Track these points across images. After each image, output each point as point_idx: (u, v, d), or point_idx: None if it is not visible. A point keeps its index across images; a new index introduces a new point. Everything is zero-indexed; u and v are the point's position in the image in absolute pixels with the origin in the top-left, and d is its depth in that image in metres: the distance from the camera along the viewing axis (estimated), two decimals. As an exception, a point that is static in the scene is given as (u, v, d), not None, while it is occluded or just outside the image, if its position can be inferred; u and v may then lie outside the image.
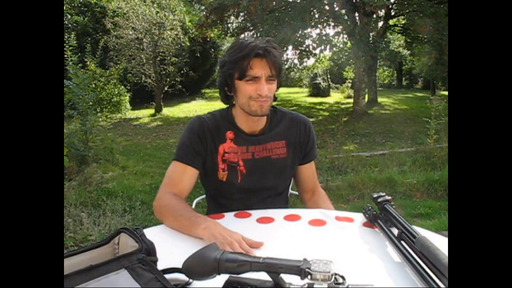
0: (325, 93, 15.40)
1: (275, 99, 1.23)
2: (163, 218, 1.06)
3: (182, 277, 0.71)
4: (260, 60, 1.09)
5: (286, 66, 12.23)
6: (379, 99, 12.85)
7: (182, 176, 1.15)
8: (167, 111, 10.61)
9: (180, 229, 0.99)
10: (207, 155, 1.18)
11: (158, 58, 10.03)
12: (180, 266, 0.68)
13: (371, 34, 8.90)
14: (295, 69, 12.72)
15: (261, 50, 1.07)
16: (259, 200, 1.22)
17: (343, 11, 8.66)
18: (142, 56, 9.77)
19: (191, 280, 0.71)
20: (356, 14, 8.69)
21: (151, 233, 0.80)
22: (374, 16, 9.53)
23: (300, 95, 15.90)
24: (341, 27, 9.00)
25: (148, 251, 0.72)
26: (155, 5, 9.96)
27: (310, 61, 12.61)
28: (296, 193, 1.45)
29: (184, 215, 1.00)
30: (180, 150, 1.18)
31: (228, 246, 0.84)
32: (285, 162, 1.24)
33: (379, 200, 0.97)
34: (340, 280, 0.59)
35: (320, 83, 15.51)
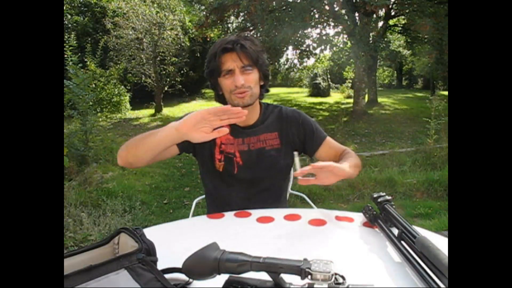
0: (325, 93, 15.39)
1: (266, 91, 1.26)
2: (129, 151, 1.05)
3: (182, 277, 0.71)
4: (230, 54, 1.13)
5: (286, 66, 12.24)
6: (379, 99, 12.84)
7: None
8: (167, 111, 10.60)
9: (150, 144, 1.01)
10: (204, 147, 1.22)
11: (158, 58, 10.02)
12: (180, 266, 0.68)
13: (371, 34, 8.89)
14: (295, 69, 12.73)
15: (229, 44, 1.13)
16: (256, 191, 1.25)
17: (343, 11, 8.65)
18: (142, 56, 9.76)
19: (191, 280, 0.71)
20: (356, 14, 8.68)
21: (151, 233, 0.80)
22: (374, 16, 9.53)
23: (300, 95, 15.89)
24: (341, 27, 9.00)
25: (148, 251, 0.72)
26: (155, 5, 9.94)
27: (310, 61, 12.62)
28: (296, 193, 1.45)
29: (151, 133, 1.03)
30: None
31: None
32: (279, 152, 1.27)
33: (379, 200, 0.97)
34: (340, 280, 0.59)
35: (320, 83, 15.50)
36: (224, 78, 1.16)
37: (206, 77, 1.22)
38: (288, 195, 1.43)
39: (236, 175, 1.22)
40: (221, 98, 1.25)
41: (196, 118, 0.93)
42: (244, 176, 1.23)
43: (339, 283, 0.59)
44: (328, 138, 1.33)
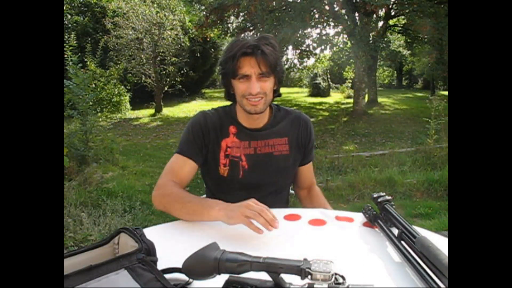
0: (325, 93, 15.39)
1: (279, 95, 1.23)
2: (168, 206, 1.05)
3: (182, 277, 0.71)
4: (249, 59, 1.08)
5: (286, 66, 12.22)
6: (379, 99, 12.84)
7: (183, 167, 1.16)
8: (167, 111, 10.60)
9: (190, 215, 1.00)
10: (209, 150, 1.19)
11: (158, 58, 10.02)
12: (180, 266, 0.68)
13: (371, 34, 8.90)
14: (295, 69, 12.72)
15: (249, 49, 1.07)
16: (260, 197, 1.20)
17: (343, 11, 8.66)
18: (142, 56, 9.76)
19: (191, 280, 0.71)
20: (356, 14, 8.69)
21: (151, 233, 0.80)
22: (374, 16, 9.54)
23: (300, 95, 15.89)
24: (341, 27, 9.01)
25: (148, 251, 0.72)
26: (155, 5, 9.94)
27: (310, 61, 12.60)
28: (292, 192, 1.45)
29: (193, 201, 1.02)
30: (182, 144, 1.19)
31: (248, 210, 0.89)
32: (287, 159, 1.24)
33: (379, 200, 0.97)
34: (340, 280, 0.59)
35: (320, 83, 15.50)
36: (239, 82, 1.12)
37: (220, 74, 1.18)
38: (289, 195, 1.42)
39: (241, 179, 1.19)
40: (231, 97, 1.21)
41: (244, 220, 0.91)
42: (249, 181, 1.20)
43: (339, 283, 0.59)
44: (312, 161, 1.36)
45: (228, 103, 1.28)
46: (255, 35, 1.17)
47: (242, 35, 9.62)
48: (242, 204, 0.92)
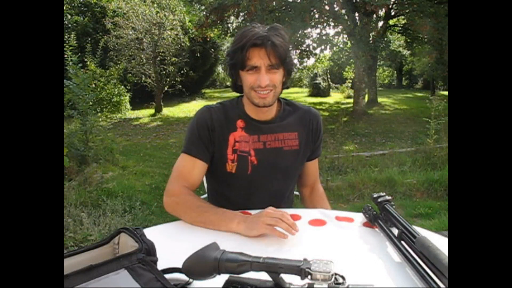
0: (325, 93, 15.40)
1: (287, 87, 1.20)
2: (183, 214, 1.04)
3: (182, 277, 0.71)
4: (259, 50, 1.05)
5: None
6: (379, 99, 12.85)
7: (192, 170, 1.13)
8: (167, 111, 10.60)
9: (206, 224, 0.99)
10: (215, 147, 1.15)
11: (158, 58, 10.02)
12: (180, 266, 0.68)
13: (371, 34, 8.90)
14: (295, 69, 12.72)
15: (258, 40, 1.04)
16: (266, 196, 1.18)
17: (343, 11, 8.66)
18: (142, 56, 9.76)
19: (191, 280, 0.71)
20: (356, 14, 8.69)
21: (151, 233, 0.80)
22: (374, 16, 9.54)
23: (300, 95, 15.89)
24: (341, 27, 9.02)
25: (148, 251, 0.72)
26: (155, 5, 9.94)
27: (310, 61, 12.60)
28: (296, 193, 1.45)
29: (210, 211, 1.01)
30: (189, 142, 1.15)
31: (272, 221, 0.90)
32: (297, 155, 1.21)
33: (379, 200, 0.98)
34: (340, 280, 0.59)
35: (320, 83, 15.51)
36: (247, 73, 1.08)
37: (228, 65, 1.14)
38: (293, 196, 1.40)
39: (250, 175, 1.15)
40: (238, 88, 1.17)
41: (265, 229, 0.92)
42: (258, 177, 1.16)
43: (339, 283, 0.59)
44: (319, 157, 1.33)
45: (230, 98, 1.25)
46: (266, 25, 1.11)
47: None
48: (262, 214, 0.93)
